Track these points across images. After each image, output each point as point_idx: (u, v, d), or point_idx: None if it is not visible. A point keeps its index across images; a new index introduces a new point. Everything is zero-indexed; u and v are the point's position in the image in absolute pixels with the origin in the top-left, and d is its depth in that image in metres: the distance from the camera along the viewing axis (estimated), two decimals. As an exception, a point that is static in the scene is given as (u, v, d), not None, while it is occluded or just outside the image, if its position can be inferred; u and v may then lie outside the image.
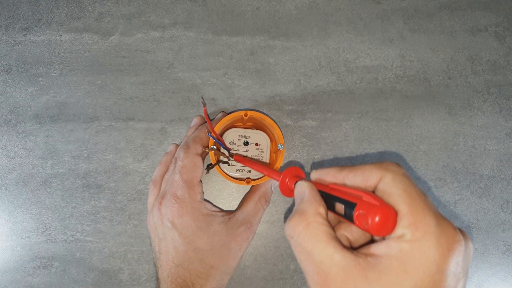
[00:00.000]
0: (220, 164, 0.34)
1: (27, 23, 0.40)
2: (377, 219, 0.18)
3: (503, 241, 0.39)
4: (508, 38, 0.40)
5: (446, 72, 0.40)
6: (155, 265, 0.34)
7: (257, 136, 0.35)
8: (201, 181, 0.34)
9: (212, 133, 0.33)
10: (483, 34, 0.41)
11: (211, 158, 0.33)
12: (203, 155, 0.34)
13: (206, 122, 0.37)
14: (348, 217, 0.20)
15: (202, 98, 0.39)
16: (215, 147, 0.33)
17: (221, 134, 0.34)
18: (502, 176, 0.39)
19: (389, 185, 0.19)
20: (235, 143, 0.34)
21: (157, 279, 0.33)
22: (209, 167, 0.33)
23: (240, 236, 0.33)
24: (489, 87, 0.40)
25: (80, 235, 0.38)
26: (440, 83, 0.40)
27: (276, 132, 0.33)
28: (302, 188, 0.23)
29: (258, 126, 0.37)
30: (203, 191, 0.34)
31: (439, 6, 0.41)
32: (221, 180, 0.39)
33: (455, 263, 0.18)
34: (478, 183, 0.39)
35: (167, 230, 0.32)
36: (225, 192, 0.39)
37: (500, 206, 0.39)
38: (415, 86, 0.40)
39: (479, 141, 0.39)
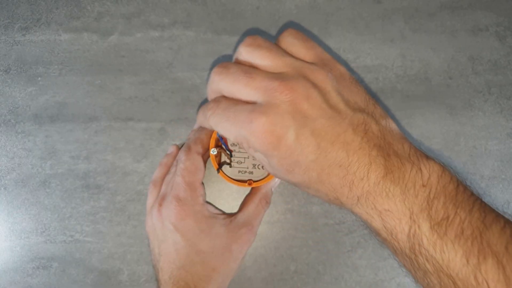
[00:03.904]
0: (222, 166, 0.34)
1: (26, 23, 0.40)
2: None
3: (504, 242, 0.39)
4: (509, 38, 0.40)
5: (447, 72, 0.40)
6: (154, 267, 0.33)
7: None
8: (202, 183, 0.33)
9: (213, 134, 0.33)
10: (484, 34, 0.40)
11: (211, 160, 0.33)
12: (205, 157, 0.34)
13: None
14: None
15: None
16: (215, 151, 0.33)
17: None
18: (503, 176, 0.39)
19: None
20: (236, 145, 0.34)
21: (158, 281, 0.32)
22: (220, 166, 0.33)
23: (241, 238, 0.33)
24: (490, 87, 0.40)
25: (80, 236, 0.38)
26: (441, 83, 0.40)
27: None
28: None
29: None
30: (205, 193, 0.34)
31: (440, 5, 0.41)
32: (221, 181, 0.39)
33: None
34: (479, 184, 0.39)
35: (168, 232, 0.32)
36: (225, 192, 0.39)
37: (501, 206, 0.39)
38: (416, 86, 0.40)
39: (480, 141, 0.39)
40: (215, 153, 0.32)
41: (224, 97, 0.25)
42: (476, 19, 0.40)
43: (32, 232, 0.38)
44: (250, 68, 0.24)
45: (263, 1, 0.40)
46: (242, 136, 0.23)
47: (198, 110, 0.28)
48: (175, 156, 0.37)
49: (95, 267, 0.38)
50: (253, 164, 0.34)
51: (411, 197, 0.21)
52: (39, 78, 0.39)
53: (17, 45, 0.40)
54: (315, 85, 0.23)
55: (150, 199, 0.35)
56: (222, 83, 0.24)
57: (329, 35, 0.40)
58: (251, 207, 0.34)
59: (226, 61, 0.25)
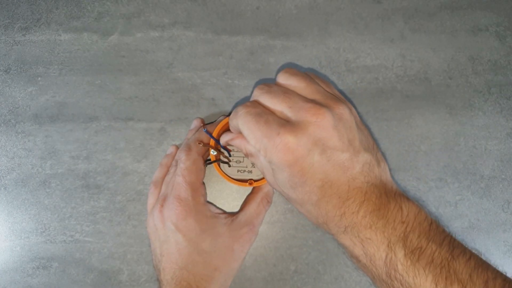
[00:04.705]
0: (221, 165, 0.34)
1: (26, 23, 0.40)
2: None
3: (504, 242, 0.39)
4: (508, 38, 0.40)
5: (447, 72, 0.40)
6: (155, 267, 0.33)
7: None
8: (203, 183, 0.34)
9: (213, 134, 0.33)
10: (484, 34, 0.40)
11: (212, 159, 0.33)
12: (205, 156, 0.34)
13: (206, 124, 0.37)
14: None
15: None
16: (215, 152, 0.33)
17: (220, 136, 0.34)
18: (503, 176, 0.39)
19: None
20: None
21: (159, 282, 0.32)
22: (207, 162, 0.33)
23: (242, 237, 0.33)
24: (490, 87, 0.40)
25: (80, 236, 0.38)
26: (441, 83, 0.40)
27: None
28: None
29: None
30: (206, 193, 0.34)
31: (439, 5, 0.41)
32: (221, 181, 0.39)
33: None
34: (479, 184, 0.39)
35: (169, 233, 0.32)
36: (225, 192, 0.39)
37: (501, 206, 0.39)
38: (415, 86, 0.40)
39: (480, 141, 0.39)
40: (215, 153, 0.33)
41: (262, 104, 0.26)
42: (476, 19, 0.40)
43: (32, 232, 0.38)
44: (289, 89, 0.26)
45: (263, 1, 0.40)
46: (262, 144, 0.24)
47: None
48: (174, 157, 0.37)
49: (95, 267, 0.38)
50: (252, 163, 0.34)
51: (391, 230, 0.24)
52: (39, 78, 0.39)
53: (17, 45, 0.40)
54: (341, 118, 0.25)
55: (151, 200, 0.35)
56: (262, 97, 0.26)
57: (329, 35, 0.40)
58: (252, 207, 0.34)
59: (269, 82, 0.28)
